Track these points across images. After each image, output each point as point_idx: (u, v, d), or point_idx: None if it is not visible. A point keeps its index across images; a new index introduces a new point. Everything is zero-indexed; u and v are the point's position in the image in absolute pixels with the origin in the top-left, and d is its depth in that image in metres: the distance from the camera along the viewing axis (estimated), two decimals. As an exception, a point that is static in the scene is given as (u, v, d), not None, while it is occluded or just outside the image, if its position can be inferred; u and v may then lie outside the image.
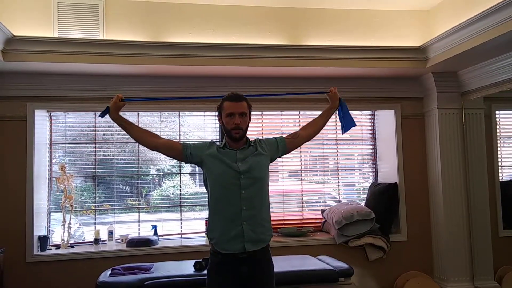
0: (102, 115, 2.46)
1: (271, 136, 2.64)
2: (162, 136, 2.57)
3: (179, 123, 4.49)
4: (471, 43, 3.48)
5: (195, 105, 4.29)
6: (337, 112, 2.75)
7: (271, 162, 2.52)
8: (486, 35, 3.31)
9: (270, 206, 2.52)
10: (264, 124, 4.60)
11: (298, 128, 4.62)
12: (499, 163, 4.52)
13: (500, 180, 4.52)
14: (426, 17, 4.19)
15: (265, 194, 2.42)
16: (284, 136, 2.61)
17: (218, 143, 2.50)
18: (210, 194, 2.42)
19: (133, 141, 4.33)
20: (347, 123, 2.75)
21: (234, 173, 2.34)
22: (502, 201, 4.45)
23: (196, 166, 4.49)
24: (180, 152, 2.45)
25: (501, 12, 3.11)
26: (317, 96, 4.40)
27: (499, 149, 4.56)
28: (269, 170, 2.52)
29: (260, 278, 2.37)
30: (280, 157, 2.58)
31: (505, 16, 3.09)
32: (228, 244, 2.32)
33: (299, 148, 4.61)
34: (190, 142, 2.51)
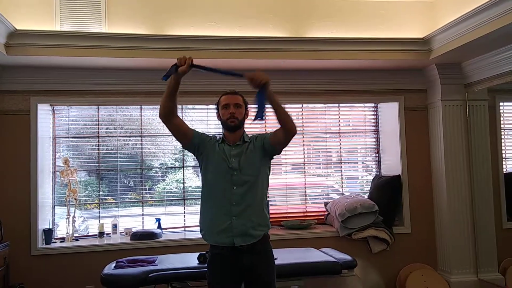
0: (166, 78, 2.24)
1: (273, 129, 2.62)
2: None
3: (182, 117, 4.49)
4: (474, 34, 3.45)
5: (198, 99, 4.27)
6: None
7: (270, 156, 2.50)
8: (490, 26, 3.28)
9: (274, 199, 2.53)
10: (267, 118, 4.58)
11: (300, 121, 4.68)
12: (503, 155, 4.49)
13: (504, 172, 4.49)
14: (430, 8, 4.16)
15: (258, 190, 2.42)
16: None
17: (217, 137, 2.55)
18: (203, 186, 2.47)
19: (136, 134, 4.40)
20: (261, 112, 2.30)
21: (228, 169, 2.38)
22: (506, 193, 4.43)
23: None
24: (190, 138, 2.45)
25: (505, 3, 3.09)
26: (320, 89, 4.41)
27: (503, 141, 4.53)
28: (271, 164, 2.53)
29: (259, 271, 2.39)
30: (274, 150, 2.46)
31: (509, 7, 3.06)
32: (217, 237, 2.36)
33: (302, 141, 4.68)
34: (198, 130, 2.53)
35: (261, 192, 2.45)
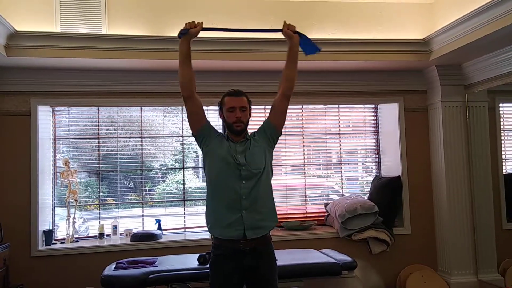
0: (181, 35, 2.34)
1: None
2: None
3: (182, 118, 4.49)
4: (474, 35, 3.45)
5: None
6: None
7: (273, 145, 2.53)
8: (490, 27, 3.29)
9: (273, 193, 2.53)
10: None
11: (300, 122, 4.68)
12: (503, 156, 4.49)
13: (504, 173, 4.49)
14: (430, 9, 4.16)
15: (266, 184, 2.45)
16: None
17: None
18: (210, 181, 2.47)
19: (136, 136, 4.40)
20: (310, 49, 2.54)
21: (235, 165, 2.39)
22: (506, 194, 4.43)
23: (199, 159, 4.53)
24: (204, 122, 2.46)
25: (505, 4, 3.09)
26: (321, 90, 4.41)
27: (502, 142, 4.53)
28: (272, 164, 2.54)
29: (262, 271, 2.39)
30: (279, 133, 2.53)
31: (509, 8, 3.06)
32: (226, 230, 2.35)
33: (302, 142, 4.69)
34: (211, 124, 2.52)
35: (268, 183, 2.48)
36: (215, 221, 2.41)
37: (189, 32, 2.33)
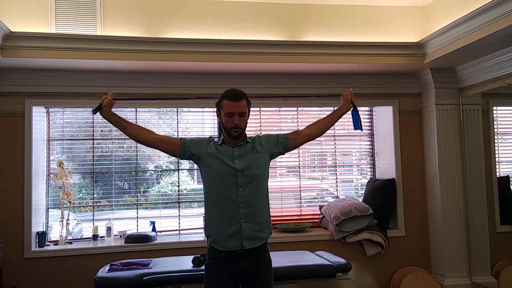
0: (94, 112, 2.44)
1: (270, 132, 2.63)
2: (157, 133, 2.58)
3: (177, 119, 4.49)
4: (468, 39, 3.48)
5: (193, 102, 4.28)
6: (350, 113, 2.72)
7: (272, 158, 2.51)
8: (483, 31, 3.31)
9: (269, 202, 2.52)
10: (262, 120, 4.61)
11: (295, 124, 4.69)
12: (497, 159, 4.52)
13: (498, 176, 4.52)
14: (424, 13, 4.19)
15: (263, 191, 2.42)
16: (287, 133, 2.59)
17: (216, 139, 2.50)
18: (207, 191, 2.43)
19: (131, 137, 4.37)
20: (357, 124, 2.75)
21: (232, 171, 2.34)
22: (499, 197, 4.46)
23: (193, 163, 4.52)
24: (178, 147, 2.43)
25: (498, 8, 3.12)
26: (315, 92, 4.42)
27: (496, 145, 4.56)
28: (269, 167, 2.52)
29: (257, 274, 2.38)
30: (282, 153, 2.55)
31: (503, 12, 3.09)
32: (226, 242, 2.33)
33: (297, 144, 4.67)
34: (188, 137, 2.50)
35: (266, 192, 2.45)
36: (216, 233, 2.36)
37: (102, 105, 2.40)
